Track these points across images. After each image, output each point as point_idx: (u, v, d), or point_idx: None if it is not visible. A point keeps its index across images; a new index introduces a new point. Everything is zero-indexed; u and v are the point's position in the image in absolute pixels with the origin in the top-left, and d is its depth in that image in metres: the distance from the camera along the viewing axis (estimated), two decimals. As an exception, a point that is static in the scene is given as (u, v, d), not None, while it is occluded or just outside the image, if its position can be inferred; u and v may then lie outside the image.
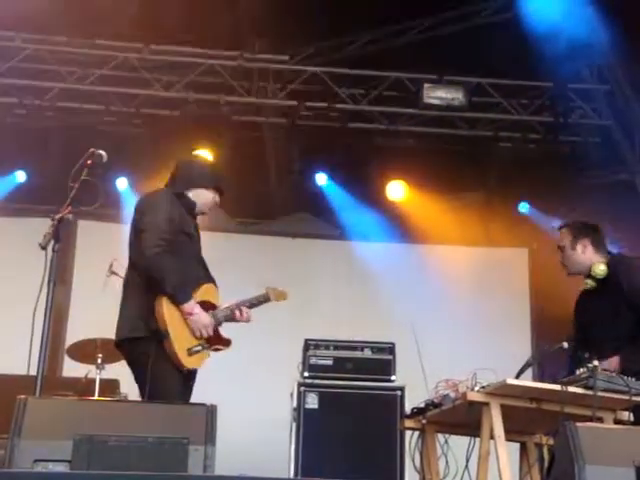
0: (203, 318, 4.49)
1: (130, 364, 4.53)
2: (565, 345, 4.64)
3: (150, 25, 7.46)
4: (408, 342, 5.78)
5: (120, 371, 4.66)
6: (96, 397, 6.20)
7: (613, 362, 4.60)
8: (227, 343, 4.69)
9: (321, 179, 9.12)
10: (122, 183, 8.73)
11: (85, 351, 6.56)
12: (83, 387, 6.46)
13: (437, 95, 8.11)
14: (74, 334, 7.41)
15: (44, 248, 4.01)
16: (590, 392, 4.30)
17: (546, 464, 4.94)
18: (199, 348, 4.50)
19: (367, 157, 8.84)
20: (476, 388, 4.53)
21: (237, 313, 4.73)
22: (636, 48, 7.16)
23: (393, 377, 6.50)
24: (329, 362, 6.52)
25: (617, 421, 4.47)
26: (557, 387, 4.38)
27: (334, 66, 8.33)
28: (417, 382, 5.48)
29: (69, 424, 3.37)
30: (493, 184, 9.15)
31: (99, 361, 6.45)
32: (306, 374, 6.46)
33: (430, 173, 8.64)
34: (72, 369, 7.16)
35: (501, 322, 8.94)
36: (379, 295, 8.90)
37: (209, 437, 3.43)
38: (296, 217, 9.39)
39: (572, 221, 5.22)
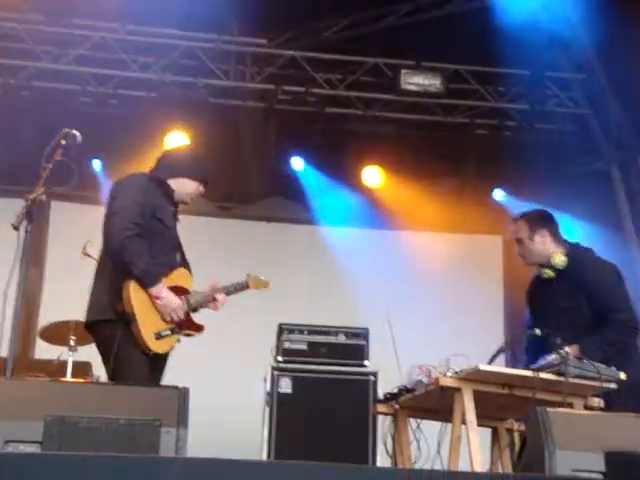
0: (172, 302, 4.49)
1: (98, 346, 4.54)
2: (537, 332, 4.68)
3: (128, 6, 7.40)
4: (382, 327, 5.79)
5: (93, 353, 4.64)
6: (68, 379, 6.18)
7: (573, 350, 4.62)
8: (199, 328, 4.68)
9: (297, 163, 9.09)
10: (96, 164, 8.66)
11: (58, 333, 6.53)
12: (55, 369, 6.44)
13: (414, 81, 8.12)
14: (47, 316, 7.36)
15: (16, 228, 3.98)
16: (562, 378, 4.33)
17: (517, 449, 4.98)
18: (168, 332, 4.49)
19: (343, 142, 8.83)
20: (449, 373, 4.56)
21: (211, 299, 4.72)
22: (613, 37, 7.18)
23: (366, 362, 6.51)
24: (303, 347, 6.53)
25: (587, 407, 4.51)
26: (529, 373, 4.42)
27: (312, 51, 8.32)
28: (390, 367, 5.50)
29: (40, 405, 3.35)
30: (469, 171, 9.17)
31: (72, 343, 6.42)
32: (280, 358, 6.46)
33: (406, 159, 8.65)
34: (44, 351, 7.13)
35: (474, 308, 8.98)
36: (354, 280, 8.91)
37: (181, 419, 3.43)
38: (271, 201, 9.36)
39: (528, 211, 5.21)
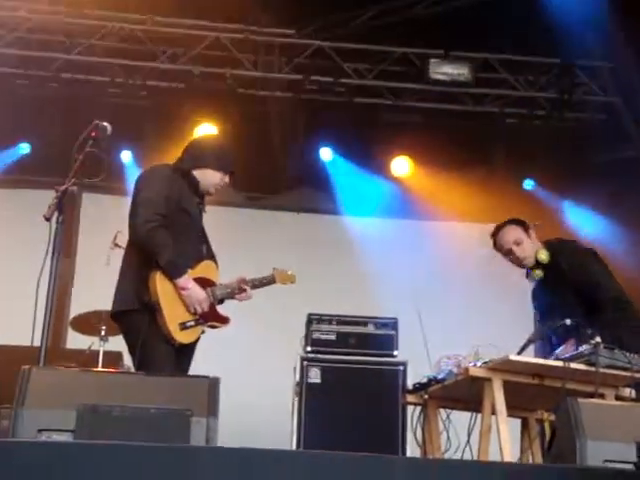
0: (197, 293, 4.50)
1: (124, 336, 4.58)
2: (568, 322, 4.65)
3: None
4: (411, 317, 5.78)
5: (123, 343, 4.67)
6: (100, 369, 6.23)
7: (568, 346, 4.60)
8: (224, 320, 4.69)
9: (326, 154, 9.09)
10: (126, 156, 8.71)
11: (89, 323, 6.59)
12: (86, 359, 6.50)
13: (443, 71, 8.08)
14: (78, 306, 7.43)
15: (48, 220, 4.01)
16: (592, 368, 4.31)
17: (547, 440, 4.96)
18: (192, 323, 4.51)
19: (372, 132, 8.81)
20: (478, 363, 4.54)
21: (237, 292, 4.73)
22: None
23: (396, 352, 6.51)
24: (332, 337, 6.53)
25: (619, 397, 4.48)
26: (559, 363, 4.40)
27: (340, 41, 8.29)
28: (420, 357, 5.49)
29: (73, 394, 3.39)
30: (498, 160, 9.12)
31: (102, 333, 6.48)
32: (309, 349, 6.47)
33: (435, 149, 8.62)
34: (76, 341, 7.19)
35: (504, 298, 8.92)
36: (383, 270, 8.89)
37: (211, 409, 3.45)
38: (300, 192, 9.37)
39: (510, 219, 5.27)
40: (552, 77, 8.49)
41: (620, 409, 3.89)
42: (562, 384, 4.30)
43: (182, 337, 4.48)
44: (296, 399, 6.35)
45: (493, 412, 4.48)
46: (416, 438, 5.39)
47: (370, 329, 6.59)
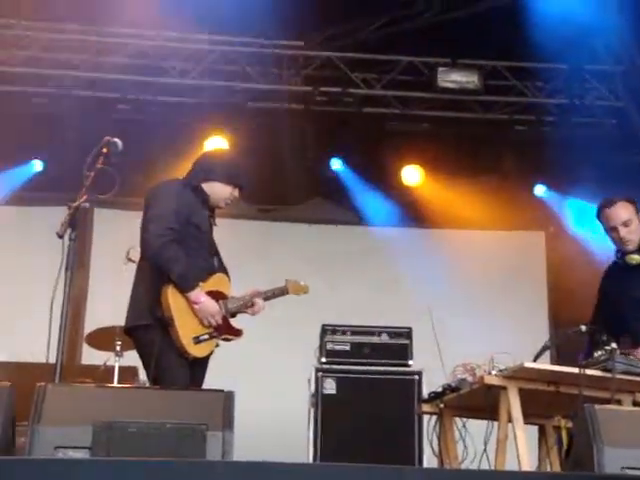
0: (210, 307, 4.52)
1: (138, 350, 4.60)
2: (583, 328, 4.63)
3: (164, 12, 7.45)
4: (425, 326, 5.78)
5: (138, 358, 4.69)
6: (115, 384, 6.24)
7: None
8: (238, 333, 4.70)
9: (336, 164, 9.10)
10: (139, 171, 8.72)
11: (104, 338, 6.60)
12: (102, 374, 6.51)
13: (451, 78, 8.08)
14: (93, 322, 7.45)
15: (61, 237, 4.03)
16: (608, 375, 4.29)
17: (565, 447, 4.94)
18: (206, 337, 4.53)
19: (382, 142, 8.81)
20: (493, 372, 4.53)
21: (250, 304, 4.74)
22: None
23: (410, 362, 6.50)
24: (346, 347, 6.53)
25: (636, 403, 4.46)
26: (575, 370, 4.38)
27: (347, 51, 8.31)
28: (434, 366, 5.48)
29: (89, 411, 3.39)
30: (509, 167, 9.09)
31: (118, 348, 6.49)
32: (323, 359, 6.48)
33: (445, 157, 8.62)
34: (91, 357, 7.21)
35: (518, 305, 8.92)
36: (395, 280, 8.89)
37: (227, 423, 3.45)
38: (311, 203, 9.37)
39: (624, 197, 5.03)
40: (561, 82, 8.47)
41: (637, 415, 3.87)
42: (579, 391, 4.27)
43: (196, 351, 4.49)
44: (312, 410, 6.35)
45: (509, 420, 4.46)
46: (432, 448, 5.37)
47: (384, 339, 6.59)
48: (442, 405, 5.12)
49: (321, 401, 6.33)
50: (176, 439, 3.35)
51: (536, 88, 8.50)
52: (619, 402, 4.33)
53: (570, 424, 4.86)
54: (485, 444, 4.86)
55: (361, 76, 8.39)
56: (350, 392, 6.38)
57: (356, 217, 9.33)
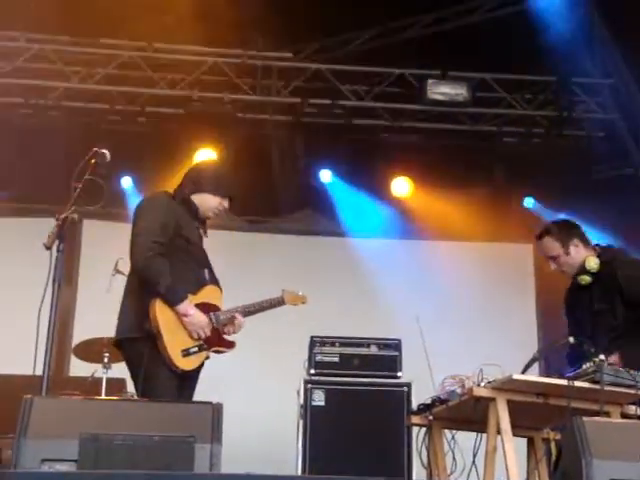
0: (199, 319, 4.50)
1: (127, 363, 4.58)
2: (571, 340, 4.63)
3: (154, 24, 7.46)
4: (414, 338, 5.78)
5: (126, 370, 4.66)
6: (103, 396, 6.21)
7: (613, 360, 4.57)
8: (229, 345, 4.68)
9: (325, 176, 9.10)
10: (127, 182, 8.73)
11: (92, 350, 6.57)
12: (90, 386, 6.48)
13: (441, 91, 8.10)
14: (81, 333, 7.42)
15: (49, 248, 4.01)
16: (597, 386, 4.28)
17: (553, 459, 4.93)
18: (195, 349, 4.50)
19: (371, 153, 8.83)
20: (482, 383, 4.52)
21: (231, 320, 4.68)
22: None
23: (399, 373, 6.50)
24: (335, 359, 6.52)
25: (624, 415, 4.46)
26: (564, 382, 4.37)
27: (337, 63, 8.32)
28: (423, 378, 5.48)
29: (75, 423, 3.37)
30: (498, 179, 9.13)
31: (105, 360, 6.46)
32: (312, 371, 6.46)
33: (434, 169, 8.63)
34: (79, 368, 7.17)
35: (507, 317, 8.93)
36: (384, 292, 8.89)
37: (215, 435, 3.44)
38: (301, 214, 9.38)
39: (550, 226, 5.13)
40: (550, 95, 8.51)
41: (626, 427, 3.87)
42: (567, 403, 4.27)
43: (184, 364, 4.47)
44: (300, 422, 6.33)
45: (498, 432, 4.46)
46: (421, 460, 5.35)
47: (373, 350, 6.58)
48: (431, 417, 5.10)
49: (310, 413, 6.31)
50: (164, 451, 3.34)
51: (525, 100, 8.53)
52: (607, 414, 4.33)
53: (559, 436, 4.86)
54: (474, 456, 4.85)
55: (351, 88, 8.41)
56: (339, 404, 6.36)
57: (345, 229, 9.33)
